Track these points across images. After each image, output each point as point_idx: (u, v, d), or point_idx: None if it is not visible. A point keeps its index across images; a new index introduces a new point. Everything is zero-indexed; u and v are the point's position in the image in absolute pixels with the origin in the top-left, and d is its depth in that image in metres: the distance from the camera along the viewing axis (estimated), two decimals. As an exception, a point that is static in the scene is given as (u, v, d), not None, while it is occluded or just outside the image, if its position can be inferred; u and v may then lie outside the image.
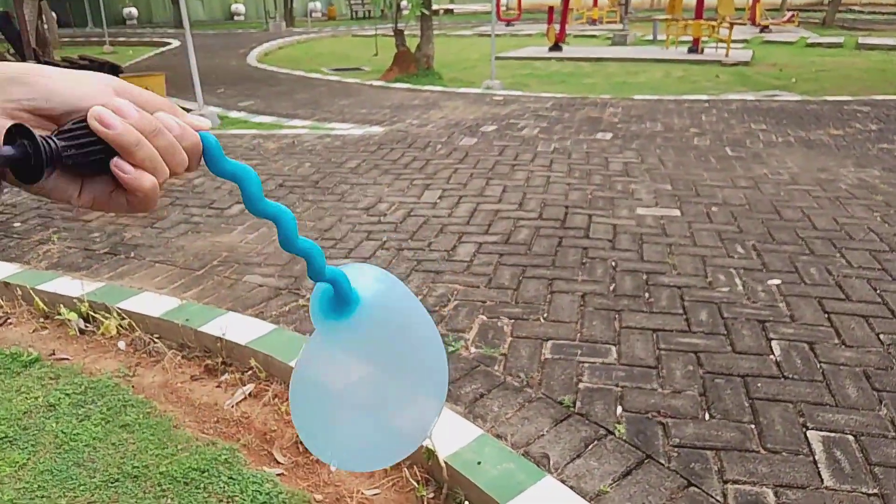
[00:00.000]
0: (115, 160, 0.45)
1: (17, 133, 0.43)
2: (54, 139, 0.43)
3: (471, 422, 2.17)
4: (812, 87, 9.23)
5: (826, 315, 2.80)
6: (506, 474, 1.94)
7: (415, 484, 2.02)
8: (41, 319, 3.10)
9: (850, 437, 2.06)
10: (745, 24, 17.83)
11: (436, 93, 9.25)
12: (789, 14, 19.05)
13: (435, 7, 12.68)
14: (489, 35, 10.10)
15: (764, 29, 17.18)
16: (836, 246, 3.50)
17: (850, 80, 9.82)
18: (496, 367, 2.48)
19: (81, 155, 0.44)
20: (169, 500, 1.99)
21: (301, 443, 2.23)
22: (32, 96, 0.45)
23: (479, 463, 1.98)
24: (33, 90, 0.45)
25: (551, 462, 1.99)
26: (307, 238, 0.55)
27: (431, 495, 1.99)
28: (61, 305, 3.09)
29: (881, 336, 2.62)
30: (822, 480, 1.90)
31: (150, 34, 21.98)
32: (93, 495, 2.02)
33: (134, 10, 28.27)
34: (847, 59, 12.31)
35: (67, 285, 3.25)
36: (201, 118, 0.52)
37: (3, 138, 0.42)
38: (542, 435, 2.11)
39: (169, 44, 17.79)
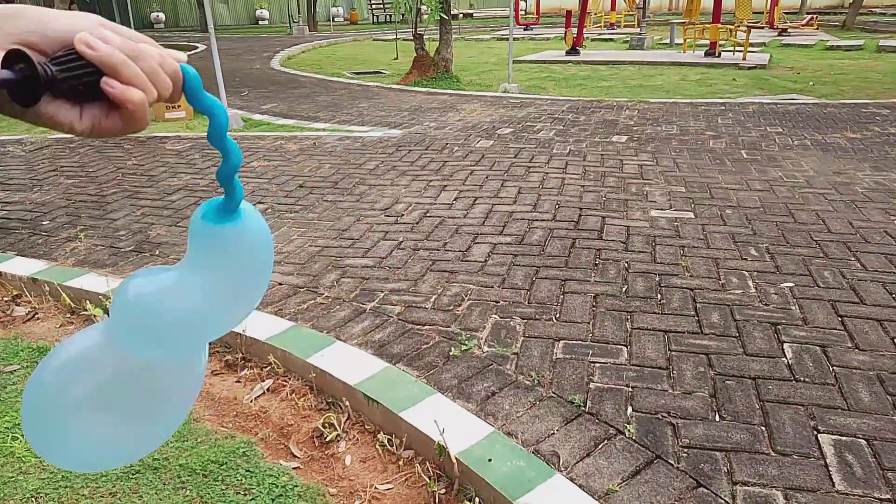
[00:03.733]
0: (105, 78, 0.50)
1: (15, 59, 0.47)
2: (49, 65, 0.48)
3: (482, 419, 2.20)
4: (830, 90, 9.14)
5: (839, 318, 2.79)
6: (516, 471, 1.96)
7: (426, 479, 2.06)
8: (67, 315, 3.19)
9: (863, 442, 2.05)
10: (763, 28, 17.67)
11: (453, 96, 9.30)
12: (808, 17, 18.84)
13: (454, 11, 12.73)
14: (507, 39, 10.12)
15: (782, 32, 17.03)
16: (850, 249, 3.49)
17: (869, 83, 9.72)
18: (508, 366, 2.51)
19: (74, 77, 0.49)
20: (188, 492, 2.05)
21: (317, 437, 2.28)
22: (29, 29, 0.49)
23: (489, 460, 2.00)
24: (29, 24, 0.49)
25: (561, 460, 2.02)
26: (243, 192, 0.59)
27: (443, 491, 2.03)
28: (87, 301, 3.16)
29: None
30: (833, 484, 1.89)
31: (177, 38, 22.27)
32: (114, 486, 2.08)
33: (161, 15, 28.69)
34: (867, 61, 12.17)
35: (93, 282, 3.33)
36: (180, 52, 0.56)
37: (1, 63, 0.47)
38: (553, 433, 2.14)
39: (196, 48, 17.99)
